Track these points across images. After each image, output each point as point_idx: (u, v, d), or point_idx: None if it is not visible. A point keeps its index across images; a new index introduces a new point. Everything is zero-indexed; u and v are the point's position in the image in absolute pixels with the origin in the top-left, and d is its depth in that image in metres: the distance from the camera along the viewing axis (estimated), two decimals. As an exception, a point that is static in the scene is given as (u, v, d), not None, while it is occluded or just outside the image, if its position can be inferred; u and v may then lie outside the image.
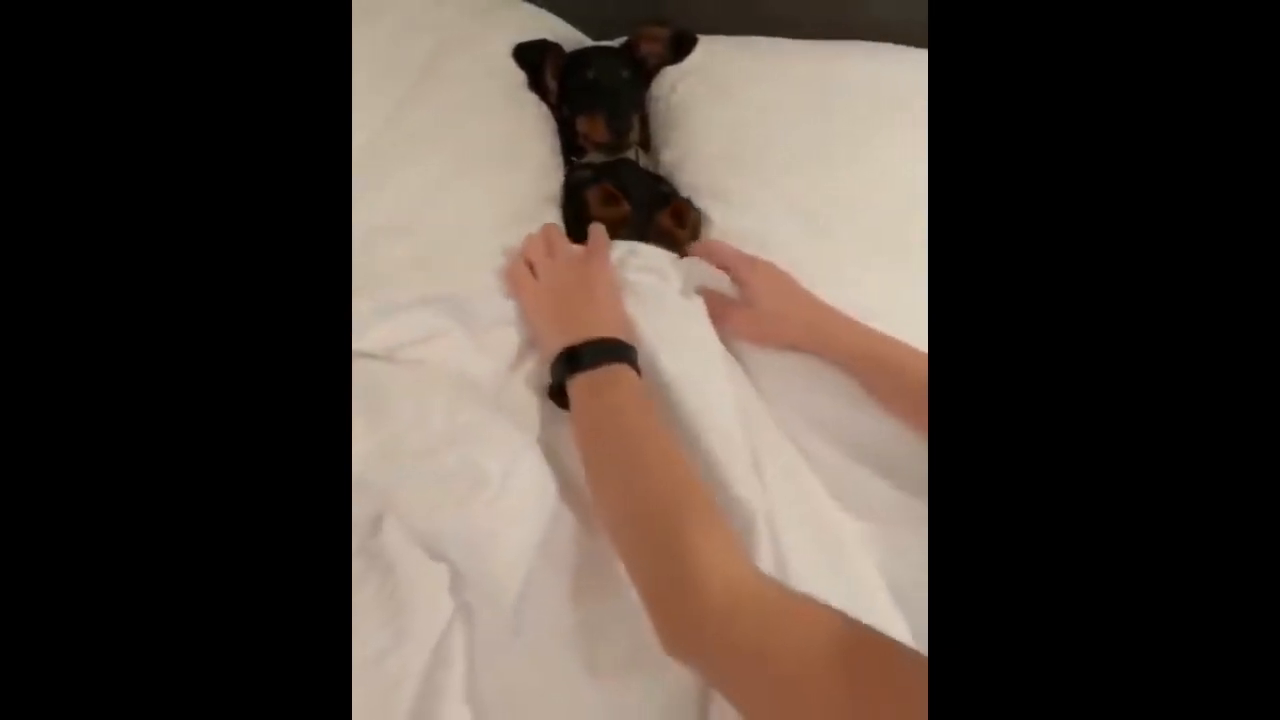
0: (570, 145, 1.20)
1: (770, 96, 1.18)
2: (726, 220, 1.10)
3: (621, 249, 0.97)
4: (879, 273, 1.04)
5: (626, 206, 1.09)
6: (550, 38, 1.23)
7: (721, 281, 0.96)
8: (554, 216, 1.10)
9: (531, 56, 1.19)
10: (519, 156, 1.12)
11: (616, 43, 1.27)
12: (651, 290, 0.92)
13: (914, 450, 0.83)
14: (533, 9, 1.28)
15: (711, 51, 1.23)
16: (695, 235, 1.11)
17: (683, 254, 1.01)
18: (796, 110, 1.17)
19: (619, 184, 1.11)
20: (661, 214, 1.11)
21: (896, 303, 0.93)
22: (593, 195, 1.10)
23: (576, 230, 1.01)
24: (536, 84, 1.19)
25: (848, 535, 0.84)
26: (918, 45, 1.27)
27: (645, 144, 1.23)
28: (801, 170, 1.12)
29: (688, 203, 1.12)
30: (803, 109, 1.17)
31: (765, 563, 0.73)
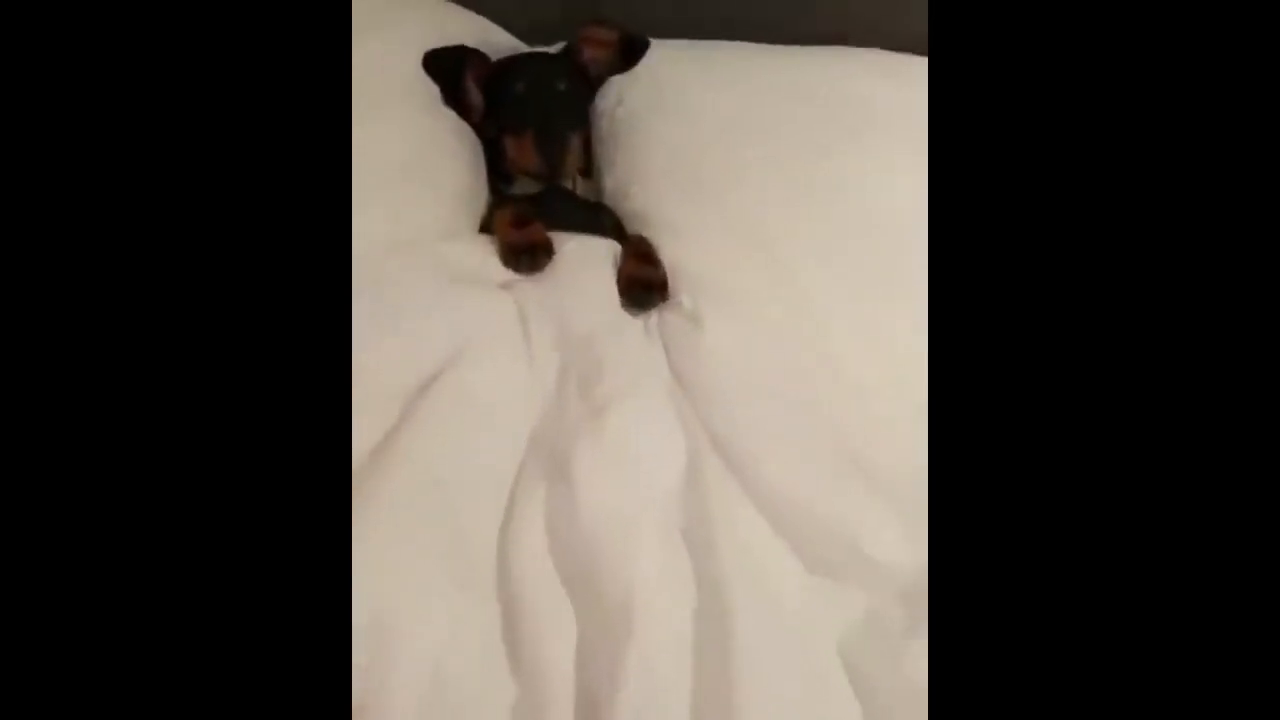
0: (498, 171, 1.01)
1: (726, 109, 1.01)
2: (677, 256, 0.93)
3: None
4: (849, 316, 0.91)
5: (542, 232, 0.92)
6: (477, 44, 1.06)
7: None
8: (473, 249, 0.92)
9: (446, 65, 1.01)
10: (431, 182, 0.96)
11: (555, 48, 1.09)
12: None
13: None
14: (454, 8, 1.11)
15: (661, 58, 1.06)
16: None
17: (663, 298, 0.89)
18: (754, 124, 1.01)
19: (548, 217, 0.93)
20: (625, 260, 0.93)
21: (871, 350, 0.87)
22: (501, 217, 0.93)
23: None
24: (454, 98, 1.01)
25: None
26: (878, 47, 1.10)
27: (587, 170, 1.04)
28: (761, 197, 0.96)
29: (641, 238, 0.95)
30: (762, 122, 1.01)
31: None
